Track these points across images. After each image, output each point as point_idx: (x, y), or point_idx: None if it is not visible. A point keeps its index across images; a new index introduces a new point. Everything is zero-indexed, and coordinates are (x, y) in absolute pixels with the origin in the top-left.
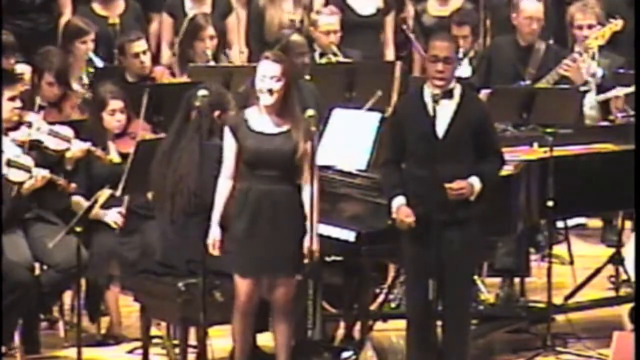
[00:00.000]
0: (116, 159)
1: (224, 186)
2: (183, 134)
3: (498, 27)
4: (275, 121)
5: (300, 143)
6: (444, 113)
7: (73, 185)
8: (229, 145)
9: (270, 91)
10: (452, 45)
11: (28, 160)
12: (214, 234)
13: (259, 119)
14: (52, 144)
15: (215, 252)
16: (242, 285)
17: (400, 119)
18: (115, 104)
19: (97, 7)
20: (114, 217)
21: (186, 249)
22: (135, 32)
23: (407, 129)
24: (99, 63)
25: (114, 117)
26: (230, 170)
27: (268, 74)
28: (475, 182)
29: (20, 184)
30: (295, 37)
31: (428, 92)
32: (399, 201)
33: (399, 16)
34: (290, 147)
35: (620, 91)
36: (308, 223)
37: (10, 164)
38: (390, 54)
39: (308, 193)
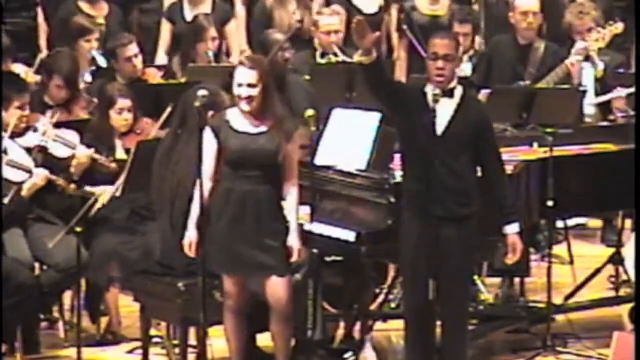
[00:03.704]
0: (122, 156)
1: (205, 188)
2: (180, 136)
3: (494, 26)
4: (255, 121)
5: (282, 143)
6: (444, 111)
7: (72, 185)
8: (210, 146)
9: (248, 98)
10: (452, 43)
11: (27, 161)
12: (191, 235)
13: (241, 120)
14: (58, 151)
15: (191, 253)
16: (230, 284)
17: (404, 93)
18: (123, 102)
19: (84, 6)
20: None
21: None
22: (127, 36)
23: (407, 123)
24: (103, 62)
25: (121, 116)
26: (210, 171)
27: (244, 81)
28: (511, 229)
29: (20, 184)
30: (276, 35)
31: (429, 89)
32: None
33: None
34: (273, 146)
35: (622, 92)
36: (291, 222)
37: (9, 163)
38: (384, 50)
39: (291, 193)
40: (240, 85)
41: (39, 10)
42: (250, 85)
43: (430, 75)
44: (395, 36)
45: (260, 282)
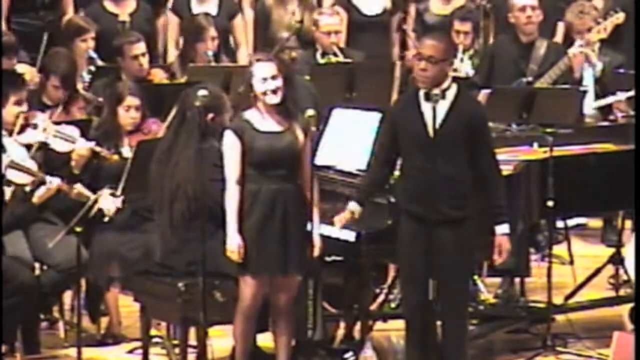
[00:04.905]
0: (128, 154)
1: (235, 192)
2: (179, 136)
3: (501, 27)
4: (277, 120)
5: (300, 137)
6: (437, 112)
7: (75, 190)
8: (235, 149)
9: (275, 90)
10: (441, 46)
11: (31, 164)
12: (237, 241)
13: (263, 120)
14: (58, 146)
15: (238, 259)
16: (251, 286)
17: (395, 118)
18: (132, 100)
19: (108, 4)
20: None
21: (186, 252)
22: (134, 34)
23: (401, 128)
24: (100, 61)
25: (128, 114)
26: (238, 175)
27: (268, 75)
28: (500, 230)
29: (22, 185)
30: (283, 34)
31: (423, 91)
32: (350, 206)
33: (400, 15)
34: (298, 143)
35: (621, 96)
36: (315, 218)
37: (12, 165)
38: (396, 53)
39: (312, 187)
40: (265, 79)
41: (70, 7)
42: (274, 77)
43: (415, 76)
44: (412, 36)
45: (269, 283)
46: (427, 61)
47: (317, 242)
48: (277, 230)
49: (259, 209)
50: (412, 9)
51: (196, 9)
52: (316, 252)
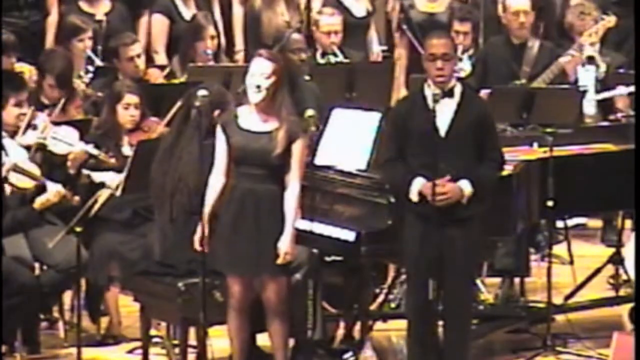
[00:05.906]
0: (129, 152)
1: (216, 182)
2: (183, 134)
3: (489, 26)
4: (263, 119)
5: (280, 143)
6: (445, 111)
7: (77, 198)
8: (221, 142)
9: (258, 87)
10: (449, 42)
11: (33, 167)
12: (201, 230)
13: (248, 117)
14: (56, 148)
15: (199, 248)
16: (233, 282)
17: (402, 117)
18: (131, 98)
19: (83, 5)
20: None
21: (186, 248)
22: (130, 36)
23: (409, 128)
24: (99, 61)
25: (127, 112)
26: (222, 167)
27: (258, 71)
28: (465, 185)
29: (24, 189)
30: (293, 35)
31: (429, 90)
32: (420, 181)
33: (399, 15)
34: (273, 147)
35: (623, 90)
36: (286, 224)
37: (15, 169)
38: (375, 54)
39: (291, 194)
40: (253, 75)
41: (54, 7)
42: (262, 76)
43: (431, 76)
44: (396, 35)
45: (260, 281)
46: (442, 59)
47: (287, 247)
48: (248, 229)
49: (231, 206)
50: (396, 5)
51: (184, 10)
52: (281, 258)
